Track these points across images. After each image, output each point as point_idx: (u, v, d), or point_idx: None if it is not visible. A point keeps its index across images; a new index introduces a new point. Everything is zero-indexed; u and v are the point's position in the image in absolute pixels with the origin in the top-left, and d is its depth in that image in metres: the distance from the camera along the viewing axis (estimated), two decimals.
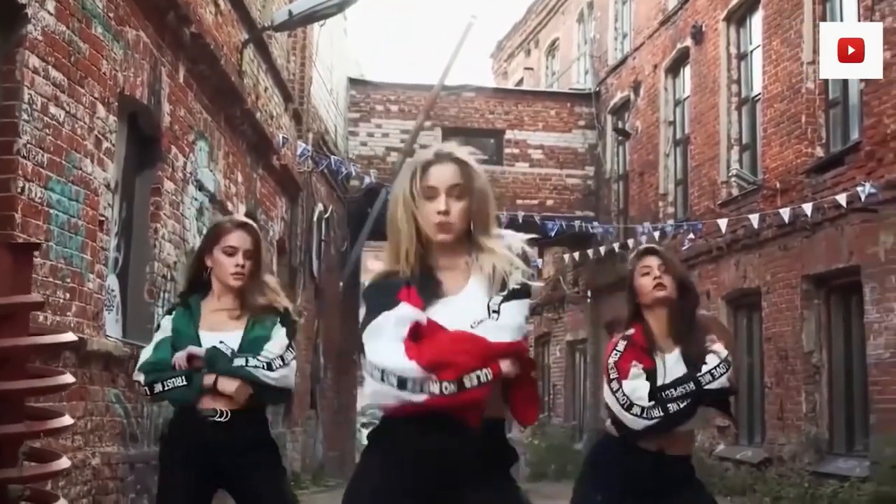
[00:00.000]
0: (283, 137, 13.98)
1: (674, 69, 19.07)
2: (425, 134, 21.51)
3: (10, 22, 6.01)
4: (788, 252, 13.95)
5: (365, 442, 3.51)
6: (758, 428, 15.16)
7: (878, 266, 11.74)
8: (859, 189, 11.88)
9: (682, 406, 4.49)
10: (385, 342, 3.08)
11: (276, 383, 4.60)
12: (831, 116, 13.65)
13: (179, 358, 4.56)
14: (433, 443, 3.12)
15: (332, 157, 17.40)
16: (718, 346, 4.63)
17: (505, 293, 3.15)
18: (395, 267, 3.22)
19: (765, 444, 14.51)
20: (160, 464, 4.81)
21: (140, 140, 8.81)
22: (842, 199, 12.24)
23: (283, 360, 4.62)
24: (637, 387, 4.54)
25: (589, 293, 22.55)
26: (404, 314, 3.11)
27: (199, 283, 4.82)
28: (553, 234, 18.48)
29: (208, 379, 4.52)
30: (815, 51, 13.62)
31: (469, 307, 3.15)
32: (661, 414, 4.49)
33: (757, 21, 15.78)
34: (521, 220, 17.10)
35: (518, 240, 3.28)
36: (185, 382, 4.53)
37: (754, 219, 14.08)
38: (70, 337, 4.44)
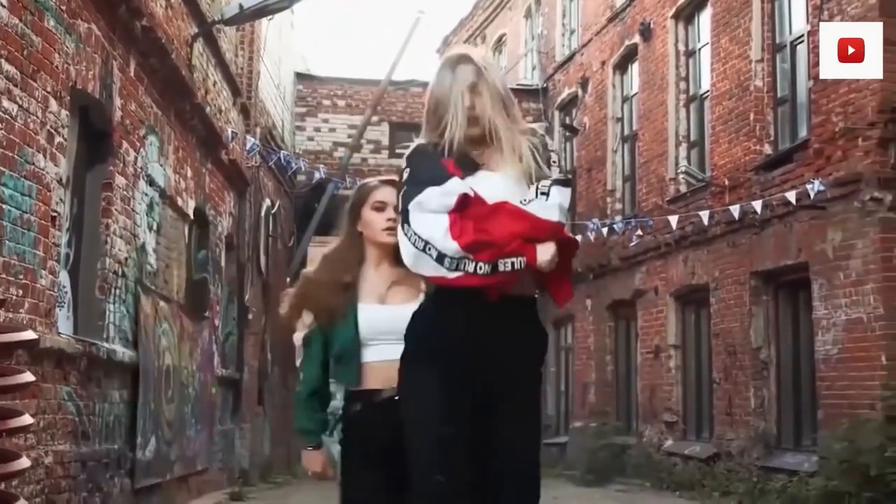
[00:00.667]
0: (232, 132, 13.85)
1: (622, 66, 19.12)
2: (372, 129, 21.48)
3: None
4: (737, 249, 14.02)
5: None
6: (706, 423, 15.21)
7: (826, 263, 11.83)
8: (808, 186, 11.95)
9: None
10: (432, 214, 3.30)
11: None
12: (779, 114, 13.72)
13: None
14: (476, 315, 3.33)
15: (281, 151, 17.27)
16: None
17: (553, 178, 3.40)
18: (433, 139, 3.46)
19: (713, 440, 14.58)
20: None
21: (91, 135, 8.70)
22: (791, 196, 12.30)
23: None
24: None
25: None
26: (452, 187, 3.32)
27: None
28: None
29: None
30: (764, 48, 13.76)
31: (509, 185, 3.37)
32: None
33: (705, 18, 15.84)
34: None
35: (539, 127, 3.57)
36: None
37: (704, 215, 14.12)
38: (30, 335, 4.38)
